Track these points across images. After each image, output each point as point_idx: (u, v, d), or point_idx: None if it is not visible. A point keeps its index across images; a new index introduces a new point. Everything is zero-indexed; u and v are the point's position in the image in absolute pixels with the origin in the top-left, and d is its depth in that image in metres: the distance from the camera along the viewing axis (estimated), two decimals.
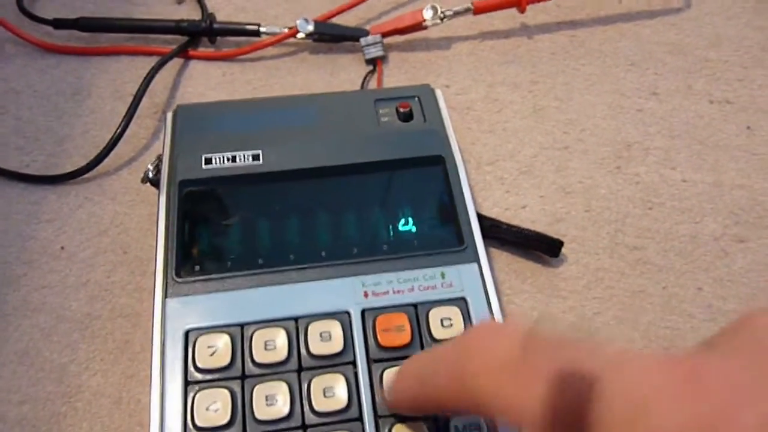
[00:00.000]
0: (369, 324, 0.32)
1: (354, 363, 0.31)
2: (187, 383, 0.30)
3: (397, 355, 0.31)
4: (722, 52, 0.52)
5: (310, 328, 0.31)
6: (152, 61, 0.49)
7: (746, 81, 0.50)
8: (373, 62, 0.50)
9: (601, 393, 0.18)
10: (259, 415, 0.29)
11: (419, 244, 0.34)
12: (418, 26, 0.51)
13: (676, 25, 0.54)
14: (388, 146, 0.38)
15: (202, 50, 0.52)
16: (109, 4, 0.55)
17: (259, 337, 0.31)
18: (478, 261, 0.34)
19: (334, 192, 0.36)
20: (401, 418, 0.29)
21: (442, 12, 0.50)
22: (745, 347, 0.19)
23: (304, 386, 0.30)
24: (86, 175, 0.43)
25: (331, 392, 0.30)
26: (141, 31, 0.52)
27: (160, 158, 0.38)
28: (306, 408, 0.29)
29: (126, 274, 0.39)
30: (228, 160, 0.37)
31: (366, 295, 0.33)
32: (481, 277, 0.33)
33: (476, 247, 0.34)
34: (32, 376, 0.35)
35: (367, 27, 0.51)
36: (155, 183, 0.37)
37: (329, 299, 0.32)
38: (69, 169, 0.43)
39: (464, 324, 0.32)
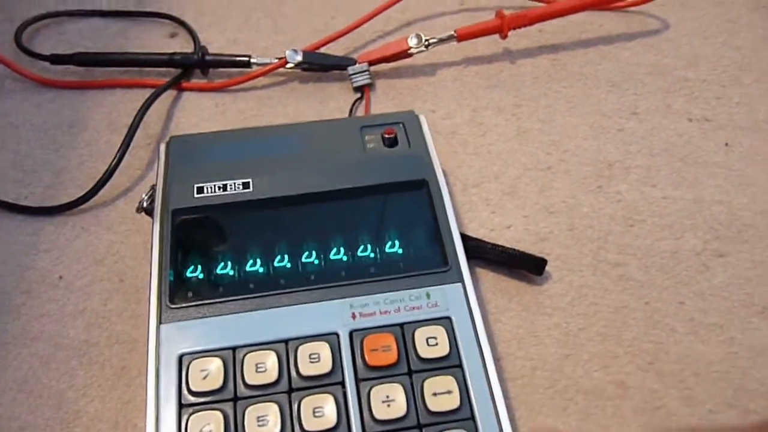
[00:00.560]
0: (357, 344, 0.33)
1: (343, 383, 0.32)
2: (181, 406, 0.31)
3: (384, 374, 0.32)
4: (700, 71, 0.53)
5: (299, 350, 0.32)
6: (146, 93, 0.50)
7: (724, 99, 0.51)
8: (361, 90, 0.52)
9: None
10: None
11: (405, 265, 0.36)
12: (404, 54, 0.52)
13: (654, 47, 0.55)
14: (374, 172, 0.39)
15: (194, 82, 0.53)
16: (103, 39, 0.57)
17: (251, 359, 0.32)
18: (462, 281, 0.35)
19: (322, 217, 0.37)
20: None
21: (426, 40, 0.52)
22: None
23: (295, 407, 0.31)
24: (83, 206, 0.44)
25: (320, 412, 0.31)
26: (135, 64, 0.53)
27: (154, 188, 0.39)
28: (296, 428, 0.30)
29: (122, 302, 0.40)
30: (219, 188, 0.38)
31: (354, 316, 0.34)
32: (465, 297, 0.35)
33: (460, 268, 0.36)
34: (31, 403, 0.36)
35: (355, 56, 0.53)
36: (150, 212, 0.39)
37: (318, 321, 0.33)
38: (66, 200, 0.44)
39: (449, 343, 0.33)
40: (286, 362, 0.32)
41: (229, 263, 0.35)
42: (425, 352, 0.32)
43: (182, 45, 0.56)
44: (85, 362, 0.38)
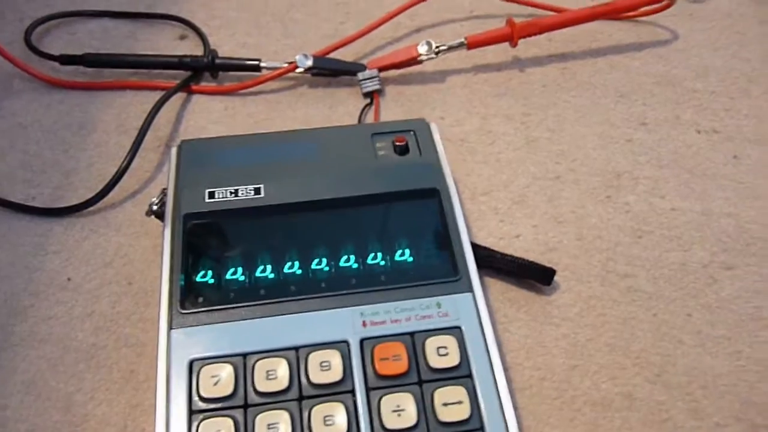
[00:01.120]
0: (367, 353, 0.33)
1: (353, 391, 0.32)
2: (191, 412, 0.31)
3: (394, 383, 0.32)
4: (709, 82, 0.54)
5: (310, 357, 0.32)
6: (156, 95, 0.50)
7: (733, 111, 0.51)
8: (371, 96, 0.52)
9: None
10: None
11: (416, 274, 0.36)
12: (414, 61, 0.52)
13: (663, 57, 0.56)
14: (385, 179, 0.39)
15: (204, 85, 0.53)
16: (113, 40, 0.57)
17: (261, 366, 0.32)
18: (472, 291, 0.35)
19: (334, 224, 0.37)
20: None
21: (436, 47, 0.52)
22: None
23: (305, 415, 0.31)
24: (91, 208, 0.44)
25: (331, 420, 0.31)
26: (145, 66, 0.54)
27: (164, 192, 0.39)
28: None
29: (130, 305, 0.40)
30: (231, 194, 0.38)
31: (364, 324, 0.34)
32: (475, 307, 0.35)
33: (470, 278, 0.36)
34: (39, 406, 0.36)
35: (365, 62, 0.53)
36: (160, 216, 0.39)
37: (329, 329, 0.33)
38: (75, 201, 0.44)
39: (459, 353, 0.33)
40: (296, 370, 0.32)
41: (240, 269, 0.35)
42: (436, 362, 0.32)
43: (191, 48, 0.56)
44: (93, 365, 0.38)
